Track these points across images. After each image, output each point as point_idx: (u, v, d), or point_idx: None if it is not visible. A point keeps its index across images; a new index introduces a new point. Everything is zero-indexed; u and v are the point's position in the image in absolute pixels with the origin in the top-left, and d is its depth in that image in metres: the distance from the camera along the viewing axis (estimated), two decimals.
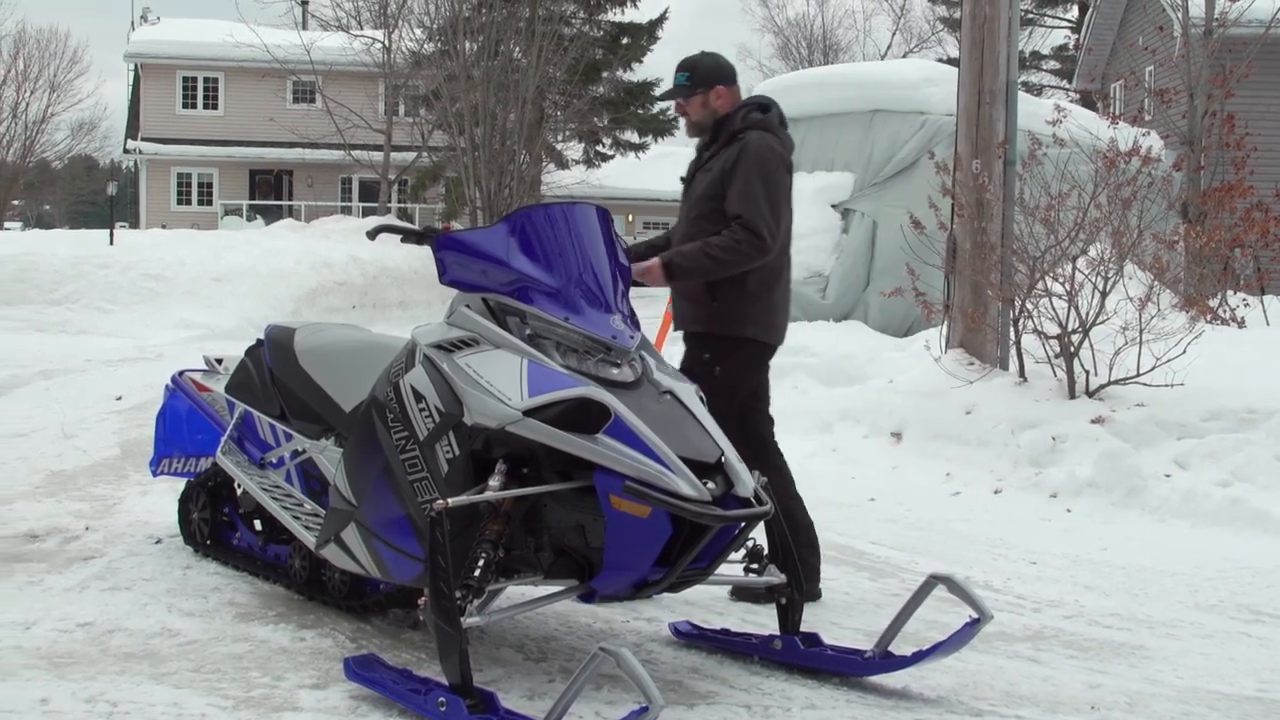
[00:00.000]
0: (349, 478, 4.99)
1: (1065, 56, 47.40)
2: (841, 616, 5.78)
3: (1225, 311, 11.12)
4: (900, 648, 4.81)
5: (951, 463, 8.92)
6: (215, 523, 6.41)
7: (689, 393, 4.72)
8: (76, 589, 5.78)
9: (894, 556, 7.05)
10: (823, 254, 15.12)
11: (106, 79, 77.51)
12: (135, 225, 41.80)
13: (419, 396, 4.65)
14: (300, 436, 5.62)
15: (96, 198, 50.64)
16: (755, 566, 4.89)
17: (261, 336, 6.08)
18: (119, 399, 12.07)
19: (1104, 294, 8.99)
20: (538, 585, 4.66)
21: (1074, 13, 47.24)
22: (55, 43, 51.36)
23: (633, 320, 4.83)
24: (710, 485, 4.31)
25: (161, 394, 6.83)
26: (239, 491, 6.21)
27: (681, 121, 6.16)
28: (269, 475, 5.81)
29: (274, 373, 5.85)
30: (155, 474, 6.79)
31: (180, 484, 6.73)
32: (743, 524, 4.47)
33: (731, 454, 4.49)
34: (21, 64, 49.04)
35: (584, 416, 4.33)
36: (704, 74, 5.94)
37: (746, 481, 4.44)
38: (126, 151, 46.18)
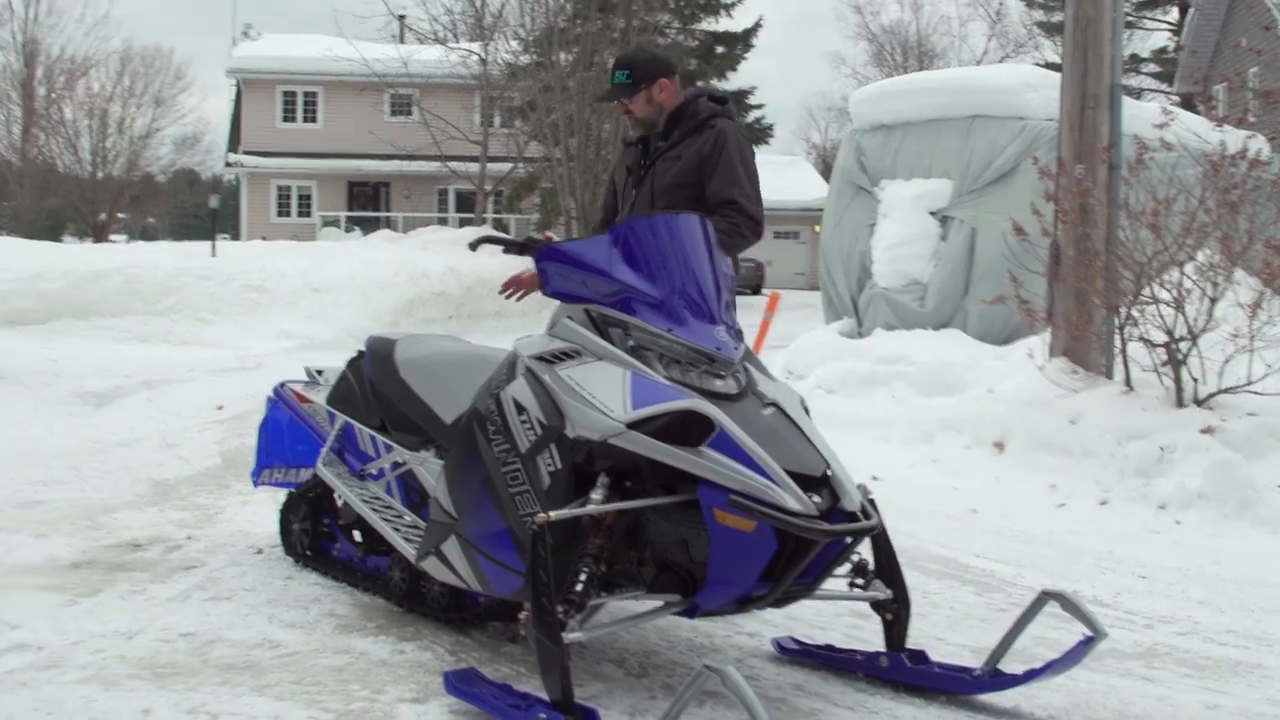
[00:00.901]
0: (449, 490, 4.96)
1: (1165, 59, 46.64)
2: (947, 632, 5.66)
3: None
4: (1010, 665, 4.70)
5: (1056, 474, 8.74)
6: (316, 533, 6.42)
7: (794, 404, 4.64)
8: (179, 598, 5.81)
9: (999, 570, 6.90)
10: (921, 261, 14.96)
11: (209, 94, 78.87)
12: (236, 237, 42.35)
13: (521, 409, 4.60)
14: (400, 448, 5.60)
15: (199, 211, 51.32)
16: (860, 581, 4.79)
17: (362, 348, 6.08)
18: (220, 408, 12.19)
19: (1213, 300, 8.77)
20: (639, 600, 4.59)
21: (1174, 15, 46.50)
22: (160, 59, 52.30)
23: (736, 331, 4.77)
24: (816, 499, 4.22)
25: (263, 404, 6.87)
26: (339, 503, 6.20)
27: (628, 122, 5.98)
28: (369, 487, 5.80)
29: (374, 384, 5.84)
30: (256, 484, 6.82)
31: (281, 494, 6.77)
32: (848, 539, 4.38)
33: (838, 467, 4.40)
34: (127, 80, 49.96)
35: (688, 429, 4.26)
36: (644, 69, 5.78)
37: (853, 495, 4.35)
38: (228, 165, 46.93)
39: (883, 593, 4.74)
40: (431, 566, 5.07)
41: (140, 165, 51.49)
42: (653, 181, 5.70)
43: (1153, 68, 49.20)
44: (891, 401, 11.95)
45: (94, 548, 6.74)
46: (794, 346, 15.19)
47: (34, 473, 8.74)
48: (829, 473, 4.35)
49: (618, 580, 4.53)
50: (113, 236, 50.05)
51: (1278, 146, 10.53)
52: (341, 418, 6.05)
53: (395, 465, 5.65)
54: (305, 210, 44.31)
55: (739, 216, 5.57)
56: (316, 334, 19.83)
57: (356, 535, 6.19)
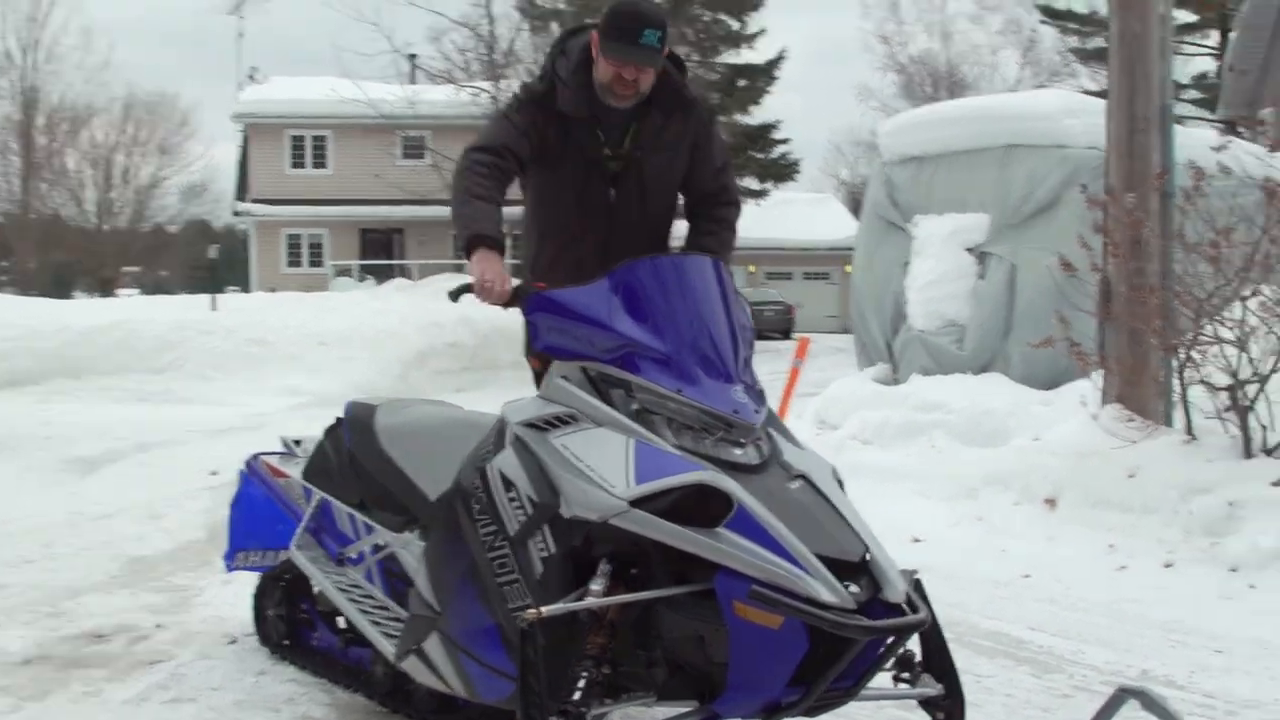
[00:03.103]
0: (431, 579, 4.33)
1: (1206, 85, 45.81)
2: None
3: None
4: None
5: (1114, 532, 8.01)
6: (293, 621, 5.82)
7: (825, 476, 3.97)
8: (135, 701, 5.22)
9: (1056, 645, 6.20)
10: (958, 301, 14.26)
11: (216, 141, 78.71)
12: (246, 289, 41.89)
13: (509, 484, 3.99)
14: (382, 529, 4.97)
15: (205, 261, 51.14)
16: (906, 675, 4.07)
17: (341, 415, 5.43)
18: (214, 474, 11.54)
19: None
20: (651, 707, 3.98)
21: (1214, 38, 45.67)
22: (164, 106, 51.99)
23: (757, 391, 4.10)
24: (853, 589, 3.58)
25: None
26: (316, 589, 5.55)
27: (619, 93, 4.59)
28: (348, 573, 5.18)
29: (354, 456, 5.22)
30: (230, 568, 6.18)
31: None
32: (892, 637, 3.71)
33: (878, 550, 3.74)
34: (131, 128, 49.59)
35: (702, 507, 3.64)
36: (667, 35, 4.57)
37: (896, 584, 3.68)
38: (236, 214, 46.39)
39: (933, 688, 4.02)
40: (412, 667, 4.43)
41: (147, 216, 51.17)
42: (640, 175, 4.75)
43: (1193, 94, 48.33)
44: (931, 452, 11.30)
45: (51, 639, 6.14)
46: (826, 394, 14.44)
47: (2, 551, 8.16)
48: (868, 557, 3.71)
49: (625, 684, 3.87)
50: (123, 291, 49.63)
51: None
52: (318, 494, 5.42)
53: (376, 548, 5.02)
54: (317, 260, 43.63)
55: (733, 209, 4.96)
56: (323, 389, 19.21)
57: (339, 622, 5.55)
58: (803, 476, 3.89)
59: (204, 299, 25.58)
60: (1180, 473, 8.04)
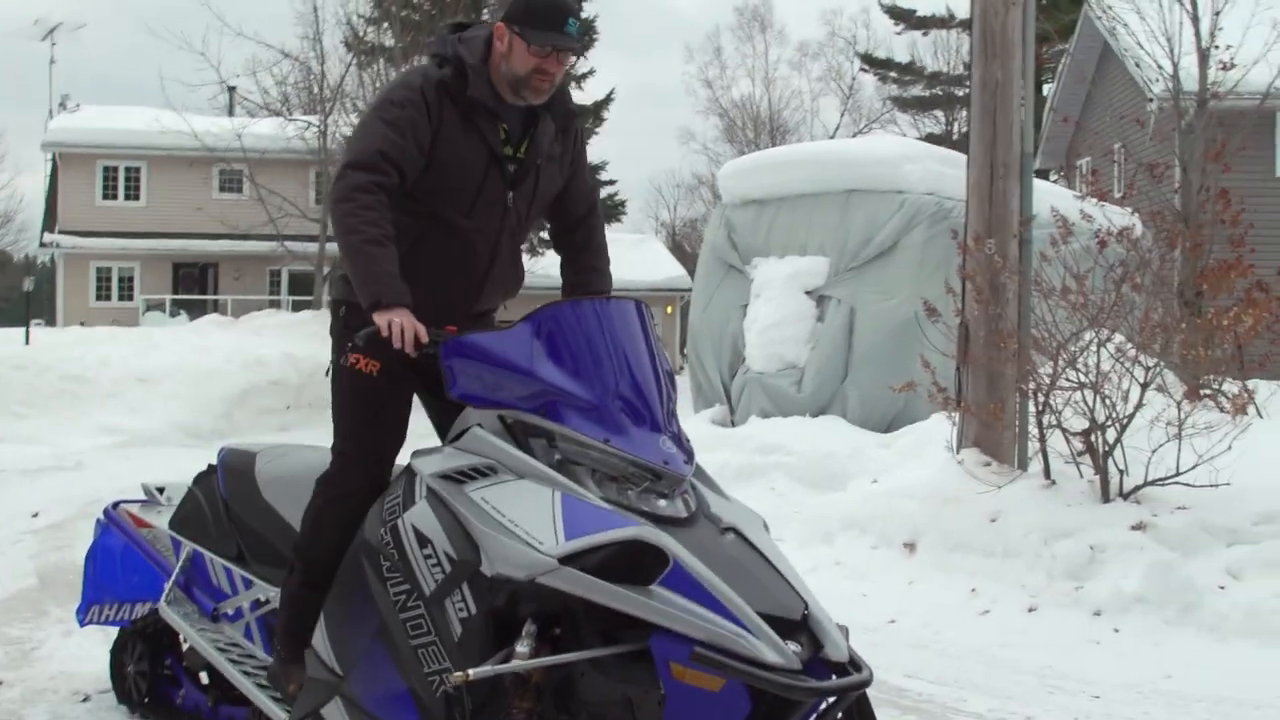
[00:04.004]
0: (331, 640, 4.09)
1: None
2: None
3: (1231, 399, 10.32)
4: None
5: (976, 577, 8.00)
6: (155, 677, 5.43)
7: (756, 529, 3.87)
8: None
9: (937, 693, 6.15)
10: (797, 344, 14.28)
11: (22, 170, 75.82)
12: (52, 322, 40.34)
13: (424, 540, 3.78)
14: (263, 583, 4.71)
15: (11, 294, 48.97)
16: None
17: (214, 462, 5.15)
18: (35, 515, 10.99)
19: (1144, 385, 8.19)
20: None
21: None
22: None
23: (684, 442, 3.95)
24: (795, 648, 3.47)
25: (83, 510, 5.89)
26: (185, 645, 5.24)
27: (537, 86, 4.31)
28: (224, 629, 4.89)
29: (229, 506, 4.95)
30: (83, 623, 5.78)
31: (112, 630, 5.75)
32: (833, 697, 3.59)
33: (816, 607, 3.65)
34: None
35: (636, 563, 3.49)
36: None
37: (839, 643, 3.60)
38: (43, 245, 44.68)
39: None
40: None
41: None
42: (536, 183, 4.48)
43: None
44: (771, 494, 11.25)
45: None
46: None
47: None
48: (807, 614, 3.61)
49: None
50: None
51: (1146, 222, 10.13)
52: (188, 545, 5.12)
53: (256, 604, 4.76)
54: (127, 293, 42.18)
55: (605, 236, 4.85)
56: (142, 428, 18.54)
57: (203, 678, 5.23)
58: (733, 529, 3.79)
59: (14, 333, 24.51)
60: (1041, 517, 8.08)
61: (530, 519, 3.61)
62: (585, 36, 5.55)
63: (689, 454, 3.93)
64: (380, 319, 3.94)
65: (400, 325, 3.92)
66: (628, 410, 3.84)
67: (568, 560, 3.49)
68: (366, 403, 4.28)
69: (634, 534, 3.52)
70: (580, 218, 4.73)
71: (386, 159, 4.13)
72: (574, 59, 4.62)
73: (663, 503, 3.75)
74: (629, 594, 3.44)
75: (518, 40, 4.22)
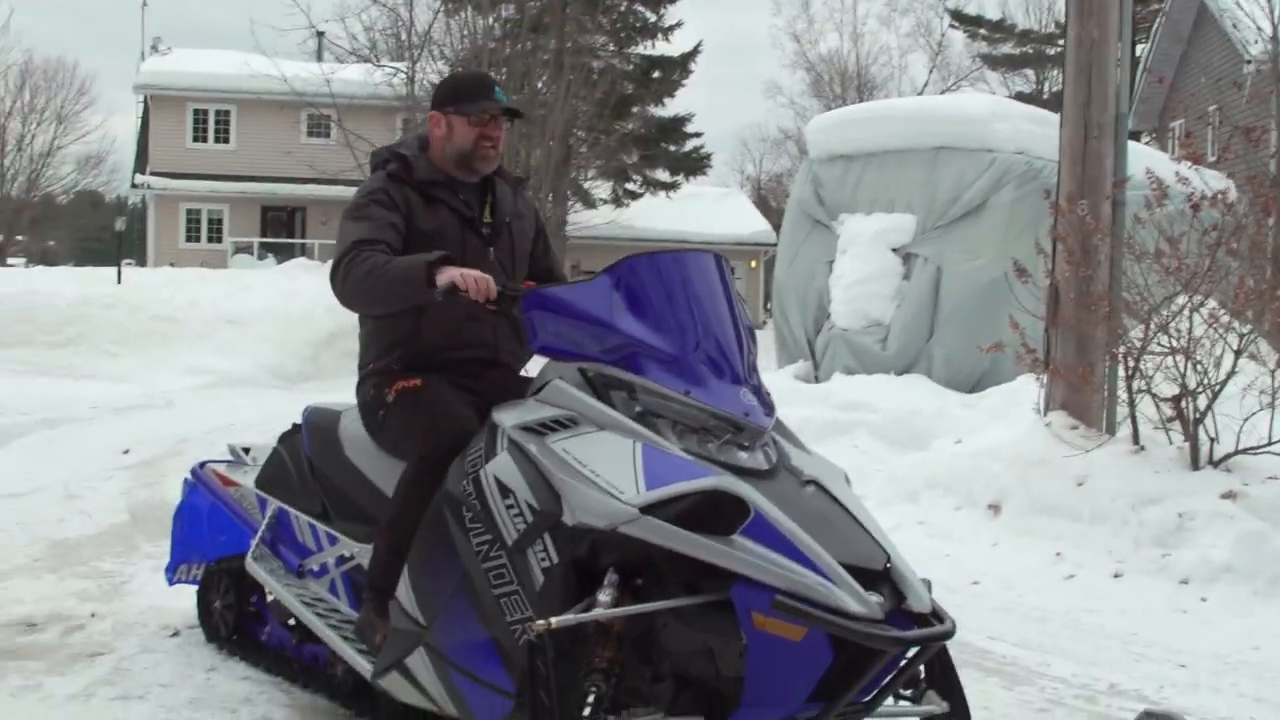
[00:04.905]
0: (415, 591, 4.11)
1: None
2: None
3: None
4: None
5: (1061, 541, 7.93)
6: (241, 614, 5.54)
7: (837, 481, 3.84)
8: (81, 697, 4.94)
9: (1021, 656, 6.12)
10: (883, 301, 14.15)
11: (115, 112, 76.65)
12: (143, 263, 40.86)
13: (506, 491, 3.80)
14: (347, 539, 4.76)
15: (103, 234, 49.53)
16: (909, 693, 3.93)
17: (298, 421, 5.20)
18: (126, 453, 11.18)
19: (1237, 353, 8.05)
20: None
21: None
22: (63, 73, 50.35)
23: (765, 394, 3.93)
24: (877, 599, 3.44)
25: (172, 448, 5.99)
26: (270, 595, 5.31)
27: (485, 153, 4.67)
28: (309, 585, 4.96)
29: (314, 464, 4.99)
30: (172, 581, 5.93)
31: None
32: (915, 648, 3.58)
33: (899, 559, 3.62)
34: (28, 95, 48.08)
35: (716, 514, 3.48)
36: None
37: (922, 594, 3.58)
38: (134, 186, 45.23)
39: (938, 706, 3.88)
40: (393, 684, 4.20)
41: (40, 185, 49.55)
42: (512, 237, 4.77)
43: None
44: (854, 452, 11.19)
45: None
46: None
47: None
48: (889, 565, 3.58)
49: (627, 700, 3.69)
50: (10, 260, 48.12)
51: (1243, 187, 9.90)
52: (274, 503, 5.19)
53: (341, 560, 4.81)
54: (216, 235, 42.67)
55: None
56: (230, 369, 18.80)
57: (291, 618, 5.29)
58: (814, 481, 3.77)
59: (108, 272, 24.83)
60: (1129, 482, 7.98)
61: (611, 469, 3.61)
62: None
63: (769, 406, 3.92)
64: (443, 277, 4.01)
65: (471, 275, 4.01)
66: (708, 362, 3.83)
67: (649, 510, 3.49)
68: (425, 405, 4.38)
69: (714, 484, 3.52)
70: (540, 271, 4.91)
71: (367, 243, 4.36)
72: (508, 123, 4.81)
73: (744, 455, 3.74)
74: (710, 543, 3.43)
75: (455, 118, 4.60)
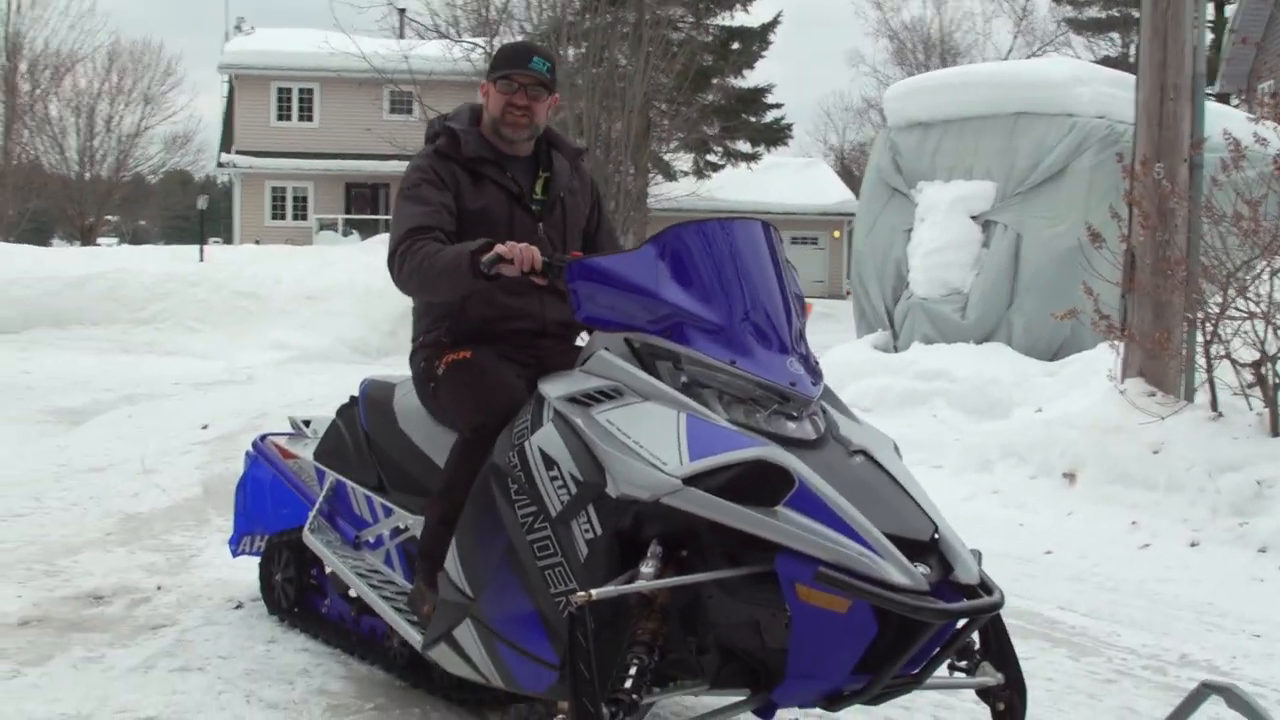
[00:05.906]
0: (462, 563, 4.09)
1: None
2: (1050, 712, 4.77)
3: None
4: None
5: (1137, 509, 7.81)
6: (302, 586, 5.58)
7: (887, 451, 3.77)
8: (142, 669, 4.98)
9: (1090, 626, 6.03)
10: (961, 269, 13.92)
11: (200, 92, 77.63)
12: (229, 241, 41.38)
13: (550, 462, 3.76)
14: (402, 511, 4.77)
15: (191, 213, 50.00)
16: (964, 664, 3.85)
17: (355, 394, 5.23)
18: (205, 428, 11.31)
19: None
20: (701, 696, 3.82)
21: (1209, 11, 45.47)
22: (149, 55, 50.83)
23: (813, 364, 3.86)
24: (924, 570, 3.37)
25: (251, 423, 6.06)
26: (328, 567, 5.34)
27: (515, 121, 4.62)
28: (365, 557, 4.99)
29: (370, 436, 5.01)
30: (235, 553, 5.99)
31: None
32: (963, 620, 3.48)
33: (947, 529, 3.53)
34: (115, 77, 48.67)
35: (760, 484, 3.41)
36: (556, 73, 4.75)
37: (970, 565, 3.48)
38: (220, 165, 45.83)
39: (993, 677, 3.80)
40: (442, 656, 4.19)
41: (129, 165, 50.16)
42: (564, 213, 4.77)
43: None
44: (933, 421, 11.08)
45: (48, 600, 5.92)
46: (824, 361, 14.16)
47: None
48: (937, 536, 3.49)
49: (672, 672, 3.66)
50: (102, 240, 48.84)
51: None
52: (332, 476, 5.23)
53: (396, 532, 4.84)
54: (301, 213, 43.15)
55: None
56: (311, 344, 19.00)
57: (351, 590, 5.31)
58: (863, 451, 3.70)
59: (191, 250, 25.14)
60: (1206, 450, 7.82)
61: (655, 440, 3.57)
62: (554, 82, 5.48)
63: (817, 375, 3.85)
64: (488, 254, 4.01)
65: (518, 248, 3.99)
66: (754, 332, 3.76)
67: (692, 481, 3.44)
68: (474, 376, 4.38)
69: (758, 454, 3.46)
70: (601, 242, 4.92)
71: (422, 230, 4.38)
72: (550, 96, 4.70)
73: (791, 425, 3.67)
74: (753, 514, 3.37)
75: (491, 86, 4.64)
